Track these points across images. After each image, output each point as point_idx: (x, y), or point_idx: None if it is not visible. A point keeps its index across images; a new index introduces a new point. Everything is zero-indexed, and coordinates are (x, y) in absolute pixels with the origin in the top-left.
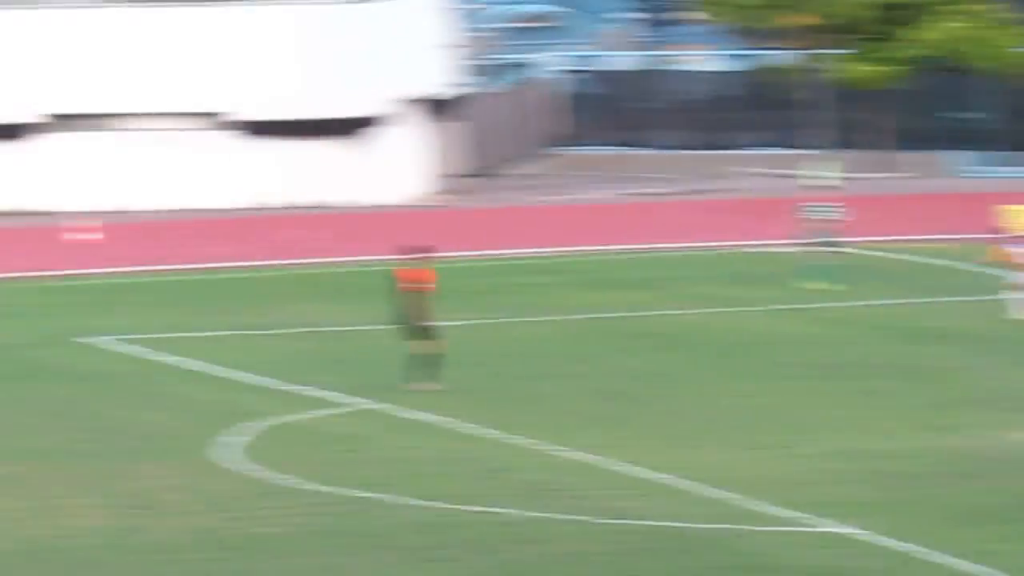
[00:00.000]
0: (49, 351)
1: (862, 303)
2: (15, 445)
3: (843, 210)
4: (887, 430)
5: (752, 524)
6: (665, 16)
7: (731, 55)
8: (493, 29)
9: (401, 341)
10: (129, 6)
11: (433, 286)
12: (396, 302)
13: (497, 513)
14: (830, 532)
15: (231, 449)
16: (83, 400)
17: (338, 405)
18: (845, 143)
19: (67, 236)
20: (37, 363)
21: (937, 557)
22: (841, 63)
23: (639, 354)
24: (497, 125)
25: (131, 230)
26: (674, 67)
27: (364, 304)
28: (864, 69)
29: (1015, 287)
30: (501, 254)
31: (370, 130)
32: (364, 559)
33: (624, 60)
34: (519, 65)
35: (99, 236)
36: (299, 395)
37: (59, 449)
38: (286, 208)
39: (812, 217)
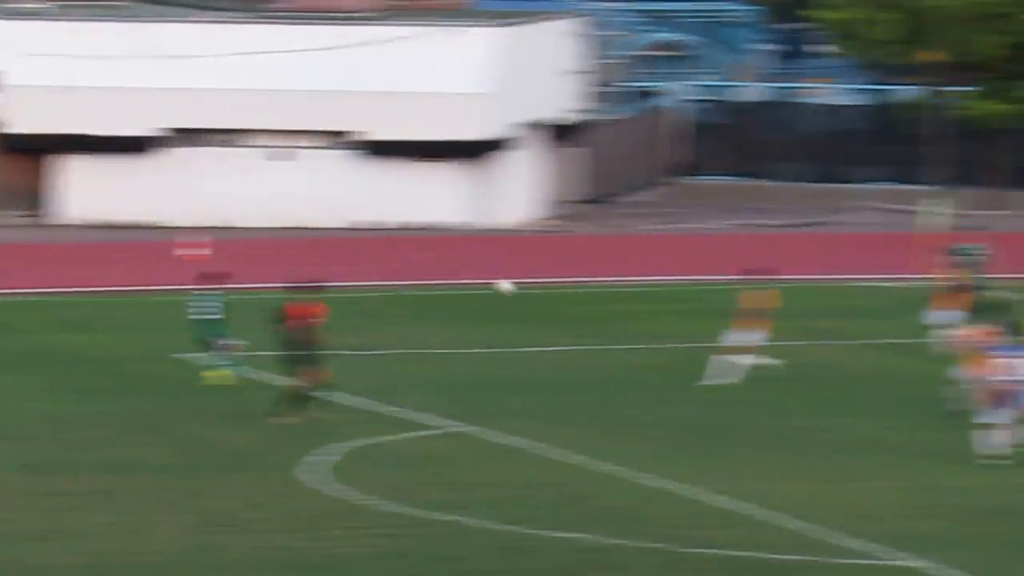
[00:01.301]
0: (148, 366)
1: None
2: (106, 459)
3: (988, 250)
4: (973, 466)
5: (830, 556)
6: (797, 49)
7: (856, 89)
8: (623, 56)
9: (286, 373)
10: (256, 23)
11: (322, 319)
12: (283, 335)
13: (578, 539)
14: (905, 566)
15: (318, 468)
16: (176, 416)
17: (429, 427)
18: (963, 180)
19: (178, 252)
20: (135, 377)
21: None
22: (968, 100)
23: (735, 384)
24: (618, 152)
25: (243, 247)
26: (799, 99)
27: (467, 327)
28: (990, 107)
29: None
30: (608, 281)
31: (489, 154)
32: None
33: (750, 91)
34: (645, 93)
35: (207, 252)
36: (391, 416)
37: (149, 464)
38: (401, 229)
39: (958, 257)
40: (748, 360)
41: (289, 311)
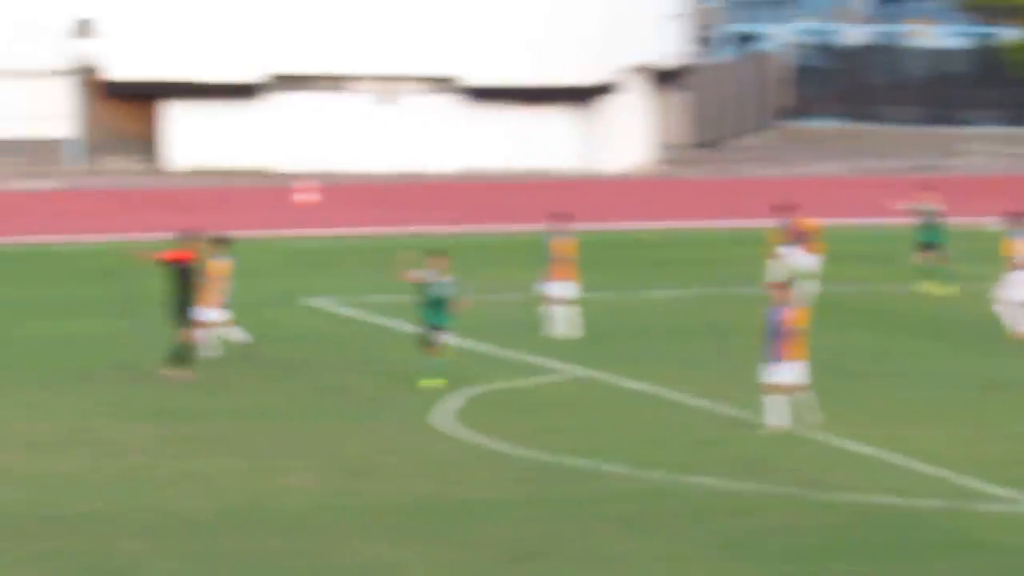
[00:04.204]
0: (273, 312)
1: None
2: (236, 405)
3: None
4: None
5: (966, 502)
6: None
7: (959, 32)
8: (726, 0)
9: (175, 325)
10: None
11: (199, 266)
12: (166, 285)
13: (709, 484)
14: None
15: (448, 414)
16: (304, 362)
17: (554, 372)
18: None
19: (295, 197)
20: (261, 324)
21: None
22: None
23: (862, 329)
24: (722, 96)
25: (351, 192)
26: (902, 42)
27: (583, 273)
28: None
29: None
30: (719, 225)
31: (595, 99)
32: (578, 527)
33: (852, 34)
34: (747, 37)
35: (317, 197)
36: (516, 361)
37: (279, 410)
38: (506, 175)
39: None
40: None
41: (168, 256)
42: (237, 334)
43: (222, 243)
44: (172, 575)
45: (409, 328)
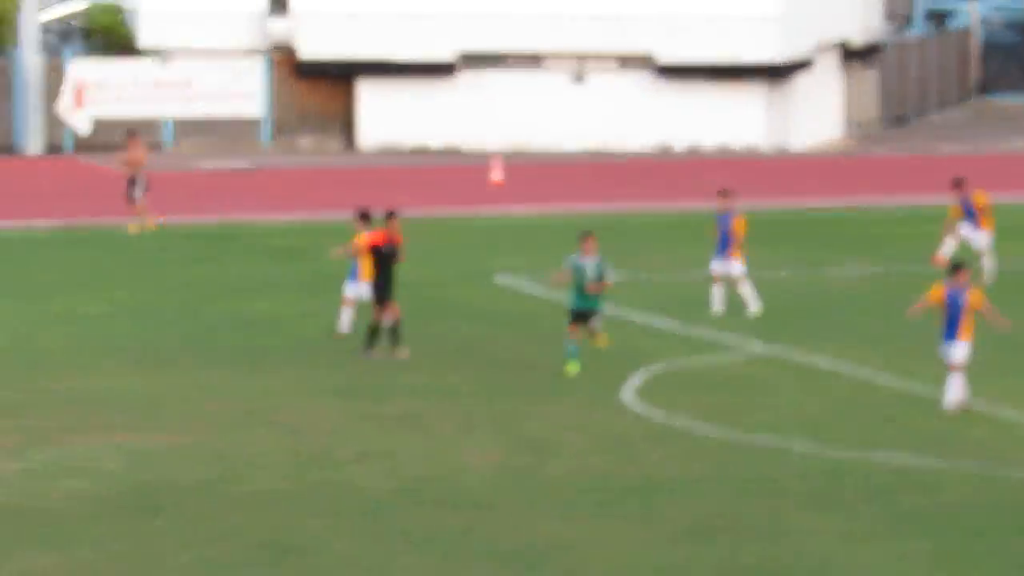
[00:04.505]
0: (464, 290)
1: None
2: (417, 382)
3: None
4: None
5: None
6: None
7: None
8: None
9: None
10: None
11: (397, 247)
12: (370, 267)
13: (892, 460)
14: None
15: (629, 391)
16: (486, 339)
17: (734, 349)
18: None
19: (490, 176)
20: (445, 301)
21: None
22: None
23: None
24: (911, 73)
25: (542, 170)
26: None
27: (766, 249)
28: None
29: None
30: (908, 203)
31: (785, 76)
32: (757, 505)
33: None
34: (939, 14)
35: (500, 176)
36: (698, 338)
37: (459, 388)
38: (691, 152)
39: None
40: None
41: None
42: (345, 318)
43: (365, 219)
44: (352, 553)
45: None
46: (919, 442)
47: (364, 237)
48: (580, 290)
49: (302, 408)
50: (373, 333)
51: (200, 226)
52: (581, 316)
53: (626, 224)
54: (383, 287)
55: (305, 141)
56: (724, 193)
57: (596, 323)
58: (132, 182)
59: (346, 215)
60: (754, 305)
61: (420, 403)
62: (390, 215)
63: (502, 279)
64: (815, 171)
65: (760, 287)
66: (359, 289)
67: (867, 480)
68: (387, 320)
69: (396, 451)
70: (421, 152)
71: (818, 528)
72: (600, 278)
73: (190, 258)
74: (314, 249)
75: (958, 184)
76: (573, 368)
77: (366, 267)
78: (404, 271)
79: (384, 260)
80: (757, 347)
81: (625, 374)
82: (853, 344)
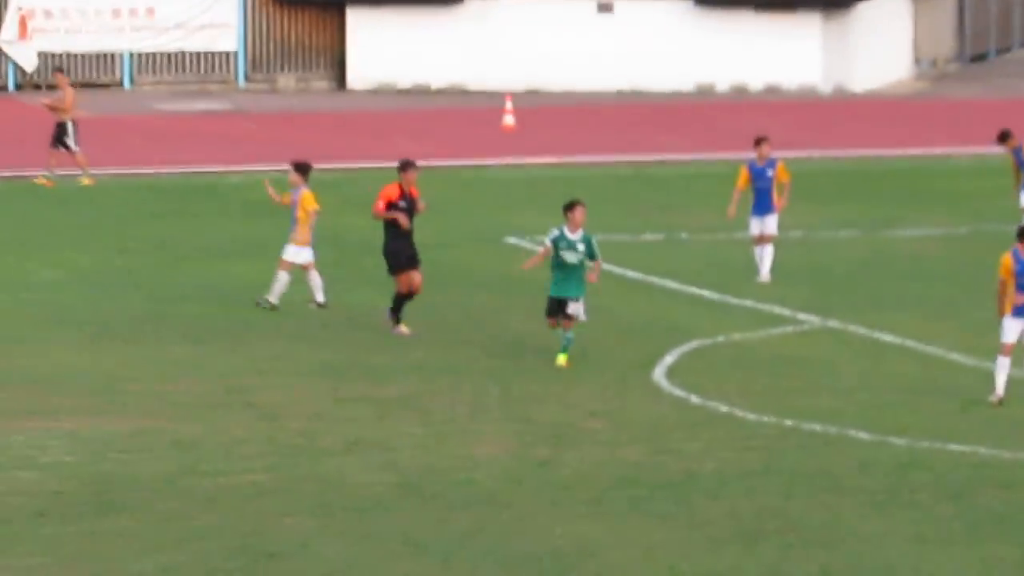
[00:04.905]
0: (471, 252)
1: None
2: (419, 361)
3: None
4: None
5: None
6: None
7: None
8: None
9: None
10: None
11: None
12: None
13: (970, 452)
14: None
15: (661, 371)
16: (497, 310)
17: (787, 322)
18: None
19: (508, 120)
20: (449, 266)
21: None
22: None
23: None
24: (992, 2)
25: (563, 114)
26: None
27: (823, 206)
28: None
29: None
30: (985, 152)
31: (845, 5)
32: (810, 502)
33: None
34: None
35: (513, 121)
36: (740, 309)
37: (469, 367)
38: (732, 93)
39: None
40: None
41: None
42: (316, 285)
43: (302, 171)
44: (341, 559)
45: (629, 273)
46: (1000, 431)
47: (310, 197)
48: (563, 273)
49: (285, 389)
50: (401, 303)
51: (165, 178)
52: (562, 306)
53: (660, 177)
54: (406, 250)
55: (287, 79)
56: (761, 141)
57: (577, 310)
58: (63, 128)
59: (336, 165)
60: (765, 272)
61: (421, 384)
62: (406, 165)
63: (515, 240)
64: (880, 116)
65: (816, 250)
66: (299, 254)
67: (942, 476)
68: (414, 289)
69: (393, 440)
70: (421, 93)
71: (883, 531)
72: (592, 257)
73: (154, 215)
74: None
75: (1005, 137)
76: (562, 360)
77: (304, 230)
78: None
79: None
80: (812, 320)
81: (658, 351)
82: (923, 317)
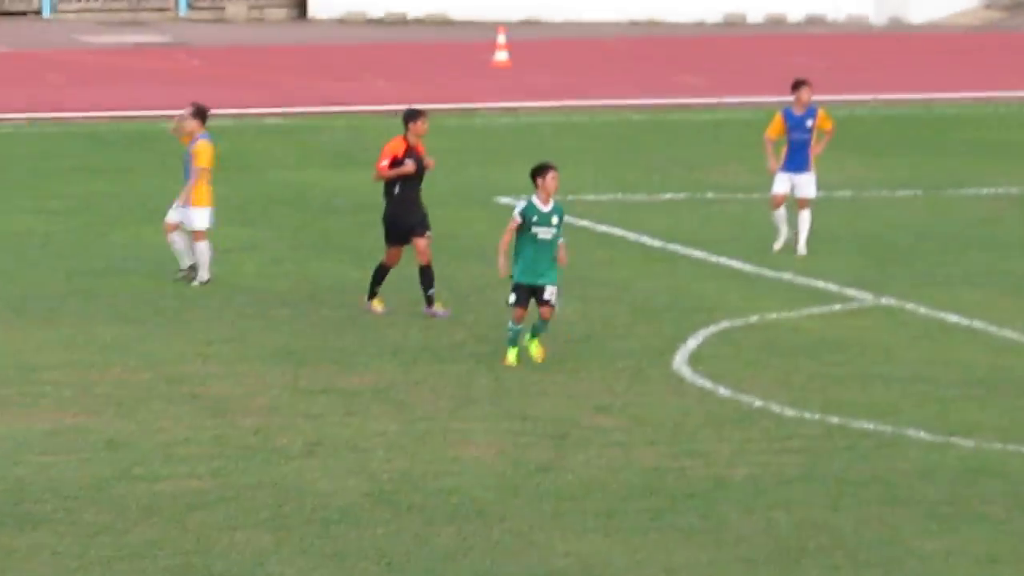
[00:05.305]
0: (447, 214)
1: None
2: (386, 343)
3: None
4: None
5: None
6: None
7: None
8: None
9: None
10: None
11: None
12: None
13: None
14: None
15: (683, 358)
16: (487, 283)
17: (832, 299)
18: None
19: (493, 58)
20: (434, 230)
21: None
22: None
23: None
24: None
25: (564, 49)
26: None
27: (876, 160)
28: None
29: None
30: None
31: None
32: (860, 515)
33: None
34: None
35: (506, 57)
36: (777, 284)
37: (456, 352)
38: (767, 25)
39: None
40: None
41: None
42: (203, 260)
43: (201, 116)
44: None
45: (645, 239)
46: None
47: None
48: (534, 252)
49: (235, 378)
50: (428, 279)
51: (94, 125)
52: (531, 293)
53: (681, 125)
54: (407, 218)
55: (237, 6)
56: (801, 84)
57: (553, 296)
58: None
59: (295, 109)
60: (781, 241)
61: (397, 372)
62: (414, 115)
63: (508, 200)
64: (943, 53)
65: (867, 213)
66: (187, 215)
67: (1014, 485)
68: (420, 260)
69: (363, 440)
70: (396, 23)
71: (947, 549)
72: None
73: (82, 169)
74: (254, 156)
75: None
76: (535, 351)
77: (202, 188)
78: (375, 190)
79: (409, 179)
80: (862, 297)
81: (680, 334)
82: (996, 293)
